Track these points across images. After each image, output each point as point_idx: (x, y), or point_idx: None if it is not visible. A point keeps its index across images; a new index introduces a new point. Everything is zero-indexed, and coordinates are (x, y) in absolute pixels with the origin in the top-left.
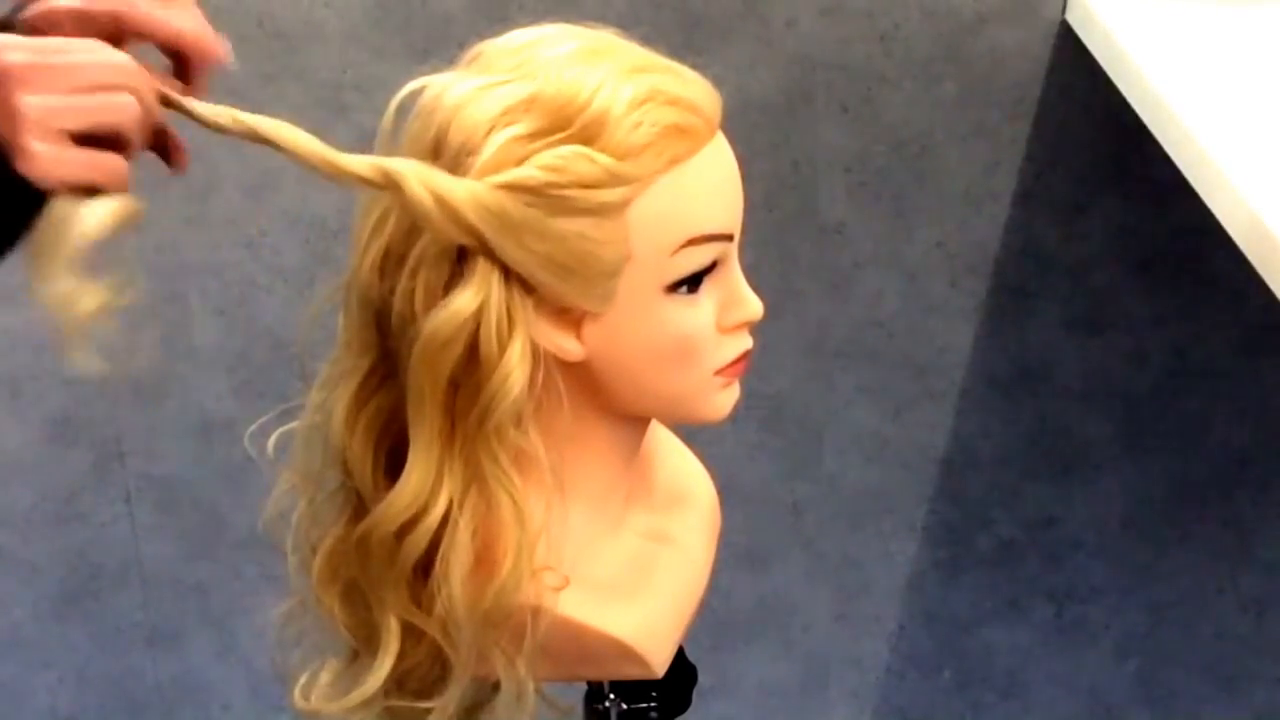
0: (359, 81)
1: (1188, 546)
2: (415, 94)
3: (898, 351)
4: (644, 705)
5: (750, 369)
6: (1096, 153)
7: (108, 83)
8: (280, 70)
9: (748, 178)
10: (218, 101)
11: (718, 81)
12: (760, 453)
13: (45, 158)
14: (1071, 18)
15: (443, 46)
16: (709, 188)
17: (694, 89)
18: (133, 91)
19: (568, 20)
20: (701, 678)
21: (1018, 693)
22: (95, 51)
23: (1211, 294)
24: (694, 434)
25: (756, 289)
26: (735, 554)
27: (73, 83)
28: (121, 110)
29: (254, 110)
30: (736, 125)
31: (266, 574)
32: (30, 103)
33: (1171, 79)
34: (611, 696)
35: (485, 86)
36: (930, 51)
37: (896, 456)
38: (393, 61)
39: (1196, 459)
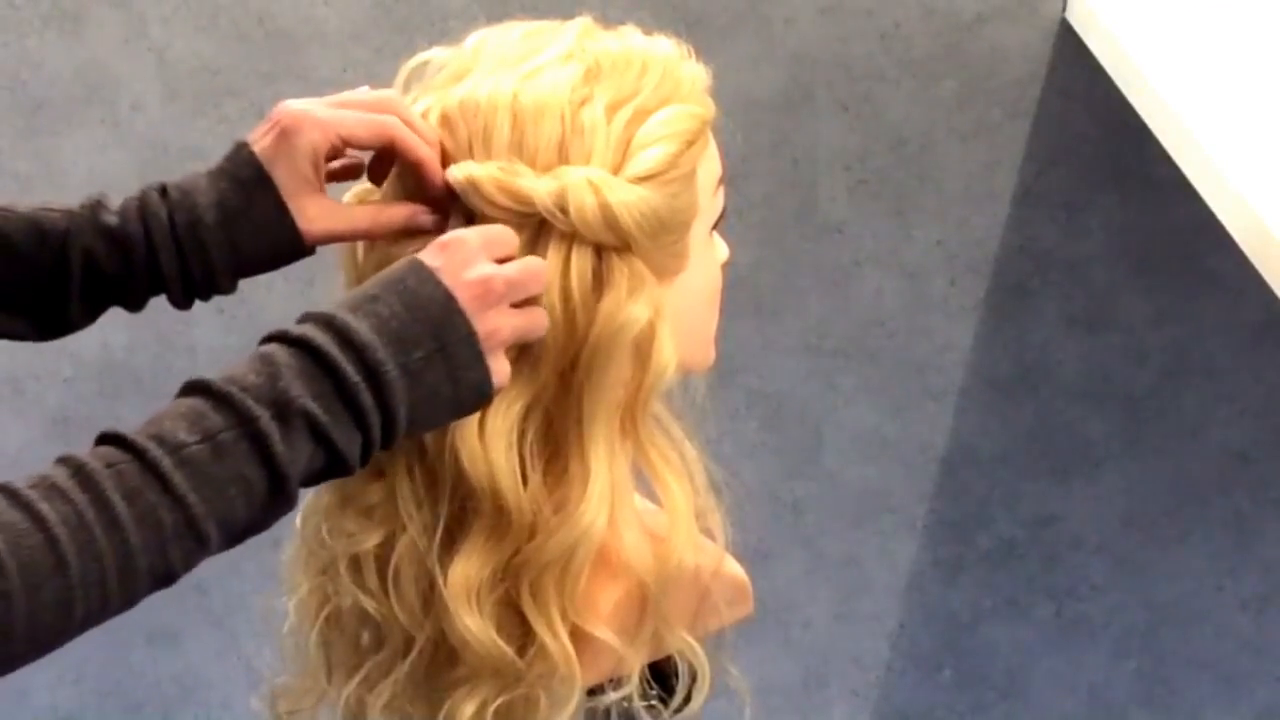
0: (360, 80)
1: (1188, 546)
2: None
3: (897, 350)
4: (646, 704)
5: (750, 368)
6: (1096, 152)
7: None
8: (281, 69)
9: (748, 176)
10: (218, 101)
11: (718, 80)
12: (760, 451)
13: (504, 373)
14: (1072, 16)
15: (443, 45)
16: None
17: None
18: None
19: (567, 19)
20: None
21: (1018, 691)
22: (530, 270)
23: (1211, 294)
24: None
25: (757, 288)
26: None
27: (517, 298)
28: (543, 324)
29: (255, 109)
30: (737, 124)
31: (266, 572)
32: (504, 328)
33: (1172, 78)
34: (612, 696)
35: (526, 75)
36: (930, 50)
37: (896, 455)
38: (393, 60)
39: (1196, 458)
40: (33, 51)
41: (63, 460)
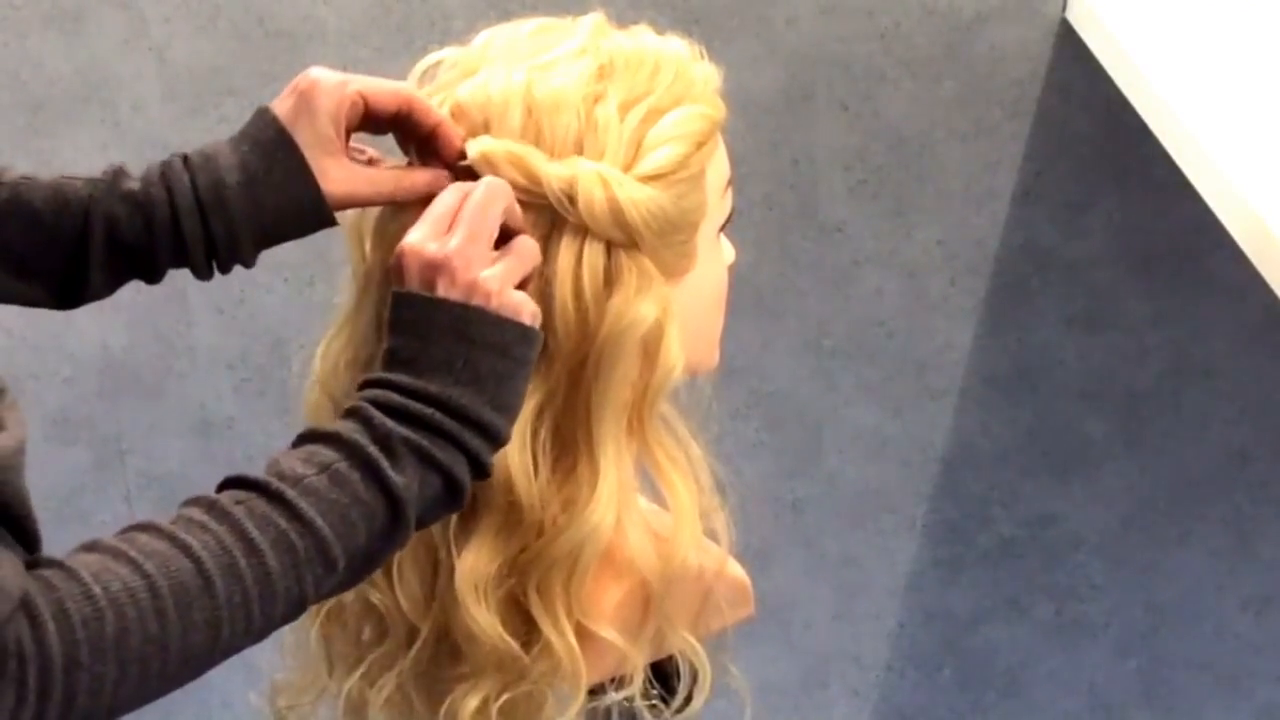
0: None
1: (1188, 546)
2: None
3: (897, 350)
4: (648, 704)
5: (751, 368)
6: (1096, 152)
7: (506, 209)
8: (281, 69)
9: (748, 176)
10: (218, 101)
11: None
12: (760, 451)
13: (528, 304)
14: (1072, 16)
15: (443, 44)
16: None
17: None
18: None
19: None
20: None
21: (1018, 691)
22: (481, 200)
23: (1211, 293)
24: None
25: (757, 288)
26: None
27: (490, 236)
28: (536, 254)
29: (255, 109)
30: (737, 123)
31: None
32: (489, 276)
33: (1172, 78)
34: (615, 696)
35: (539, 67)
36: (930, 50)
37: (896, 455)
38: (393, 60)
39: (1196, 458)
40: (33, 51)
41: (193, 500)
